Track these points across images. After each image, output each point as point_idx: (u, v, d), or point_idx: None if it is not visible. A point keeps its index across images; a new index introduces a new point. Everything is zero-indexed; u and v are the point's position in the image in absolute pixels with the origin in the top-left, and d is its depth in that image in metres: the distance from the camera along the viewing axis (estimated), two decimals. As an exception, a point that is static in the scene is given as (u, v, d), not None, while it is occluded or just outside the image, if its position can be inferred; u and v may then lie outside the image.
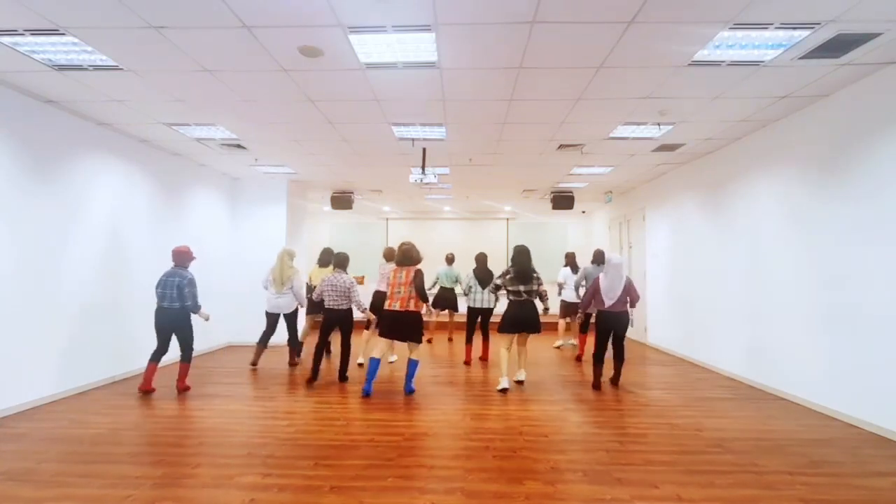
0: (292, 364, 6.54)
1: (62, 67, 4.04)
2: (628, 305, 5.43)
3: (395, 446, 3.65)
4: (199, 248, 7.47)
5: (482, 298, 6.70)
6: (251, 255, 8.41)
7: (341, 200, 9.83)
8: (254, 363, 6.41)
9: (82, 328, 5.23)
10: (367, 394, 5.03)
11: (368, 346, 6.58)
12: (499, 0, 3.09)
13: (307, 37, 3.55)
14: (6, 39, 3.56)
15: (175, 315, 5.14)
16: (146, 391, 5.09)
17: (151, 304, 5.26)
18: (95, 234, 5.47)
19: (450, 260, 8.50)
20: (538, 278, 5.50)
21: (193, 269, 5.42)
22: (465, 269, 8.17)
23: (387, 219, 12.97)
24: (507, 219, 12.94)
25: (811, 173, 4.79)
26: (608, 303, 5.31)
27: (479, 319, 6.82)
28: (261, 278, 6.66)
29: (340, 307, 5.61)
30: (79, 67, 4.05)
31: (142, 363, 6.14)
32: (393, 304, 5.10)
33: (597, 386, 5.39)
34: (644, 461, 3.39)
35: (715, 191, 6.59)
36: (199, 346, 7.38)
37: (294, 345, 6.58)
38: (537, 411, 4.57)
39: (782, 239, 5.18)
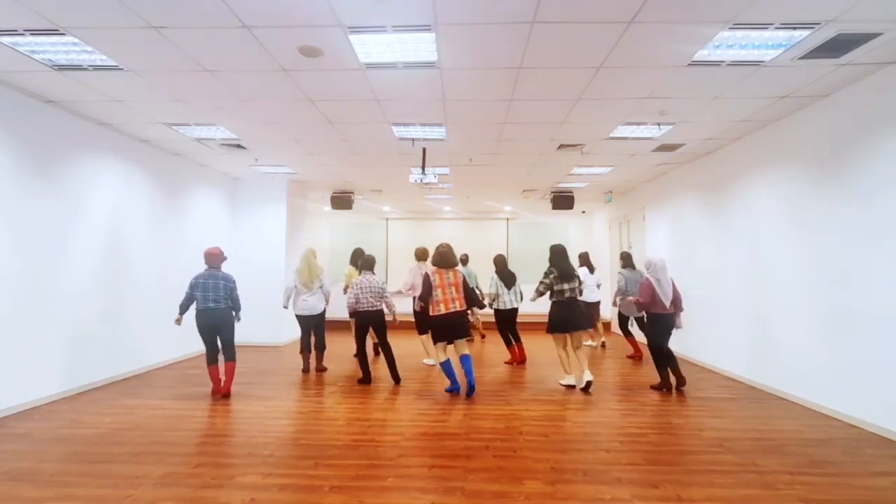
0: (320, 370, 6.31)
1: (62, 67, 4.04)
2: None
3: (395, 446, 3.65)
4: (198, 248, 7.49)
5: (510, 299, 6.74)
6: (251, 255, 8.42)
7: (341, 200, 9.83)
8: (305, 370, 6.30)
9: (82, 328, 5.23)
10: (457, 391, 5.15)
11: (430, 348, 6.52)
12: (499, 0, 3.09)
13: (307, 37, 3.55)
14: (6, 39, 3.56)
15: (221, 315, 5.09)
16: (224, 393, 5.05)
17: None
18: (95, 234, 5.47)
19: (464, 260, 8.60)
20: (579, 276, 5.57)
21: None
22: (475, 270, 8.26)
23: (387, 219, 12.96)
24: (507, 219, 12.94)
25: (811, 173, 4.79)
26: (667, 304, 5.18)
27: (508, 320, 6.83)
28: (286, 285, 6.44)
29: (374, 308, 5.61)
30: (79, 67, 4.05)
31: (142, 363, 6.16)
32: (451, 307, 5.07)
33: (668, 387, 5.29)
34: (644, 461, 3.39)
35: (715, 191, 6.59)
36: (198, 346, 7.41)
37: (322, 348, 6.38)
38: (538, 411, 4.57)
39: (782, 239, 5.18)
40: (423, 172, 6.39)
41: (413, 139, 6.10)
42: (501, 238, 12.87)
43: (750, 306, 5.72)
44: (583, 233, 12.70)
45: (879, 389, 3.96)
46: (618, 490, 2.94)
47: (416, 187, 9.03)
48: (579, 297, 5.57)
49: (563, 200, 9.66)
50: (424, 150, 6.37)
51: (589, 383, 5.27)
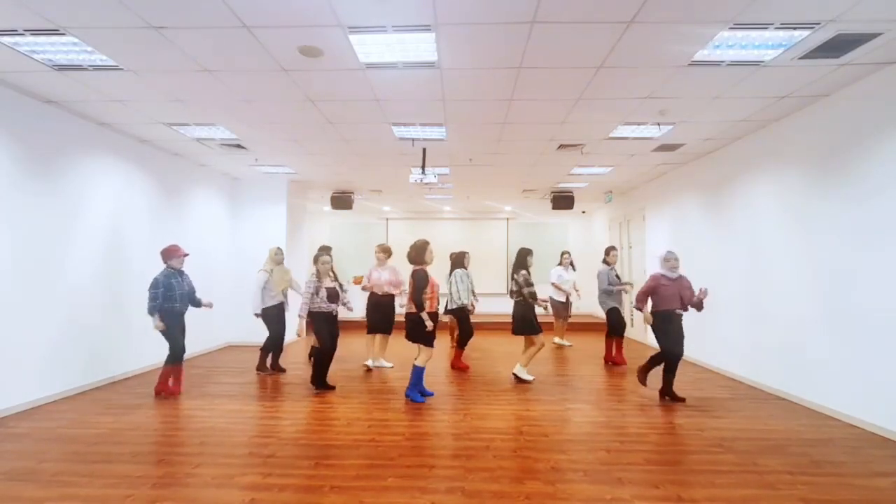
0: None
1: (62, 67, 4.04)
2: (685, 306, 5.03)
3: (395, 446, 3.65)
4: (199, 248, 7.50)
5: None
6: (251, 255, 8.40)
7: (341, 200, 9.83)
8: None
9: (82, 328, 5.23)
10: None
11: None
12: (499, 0, 3.09)
13: (307, 37, 3.55)
14: (6, 39, 3.56)
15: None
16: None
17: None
18: (95, 235, 5.47)
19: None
20: (514, 280, 5.74)
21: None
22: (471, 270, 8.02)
23: (387, 219, 12.97)
24: (507, 219, 12.94)
25: (811, 173, 4.79)
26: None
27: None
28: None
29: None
30: (79, 67, 4.04)
31: (142, 363, 6.17)
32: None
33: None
34: (645, 461, 3.39)
35: (715, 191, 6.59)
36: (198, 346, 7.43)
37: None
38: (538, 411, 4.57)
39: (782, 239, 5.18)
40: (423, 172, 6.39)
41: (413, 139, 6.10)
42: (501, 238, 12.88)
43: (750, 306, 5.72)
44: (583, 233, 12.70)
45: (880, 389, 3.96)
46: (618, 490, 2.94)
47: (416, 187, 9.03)
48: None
49: (563, 200, 9.67)
50: (424, 150, 6.38)
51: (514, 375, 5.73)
